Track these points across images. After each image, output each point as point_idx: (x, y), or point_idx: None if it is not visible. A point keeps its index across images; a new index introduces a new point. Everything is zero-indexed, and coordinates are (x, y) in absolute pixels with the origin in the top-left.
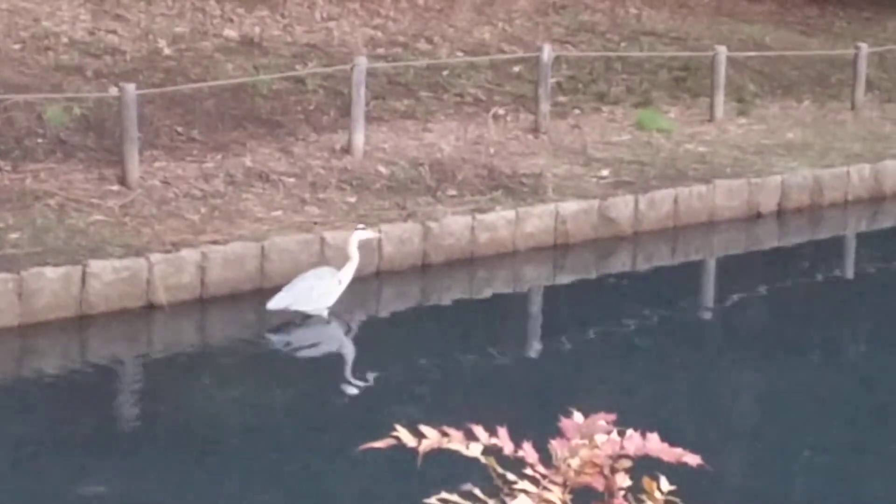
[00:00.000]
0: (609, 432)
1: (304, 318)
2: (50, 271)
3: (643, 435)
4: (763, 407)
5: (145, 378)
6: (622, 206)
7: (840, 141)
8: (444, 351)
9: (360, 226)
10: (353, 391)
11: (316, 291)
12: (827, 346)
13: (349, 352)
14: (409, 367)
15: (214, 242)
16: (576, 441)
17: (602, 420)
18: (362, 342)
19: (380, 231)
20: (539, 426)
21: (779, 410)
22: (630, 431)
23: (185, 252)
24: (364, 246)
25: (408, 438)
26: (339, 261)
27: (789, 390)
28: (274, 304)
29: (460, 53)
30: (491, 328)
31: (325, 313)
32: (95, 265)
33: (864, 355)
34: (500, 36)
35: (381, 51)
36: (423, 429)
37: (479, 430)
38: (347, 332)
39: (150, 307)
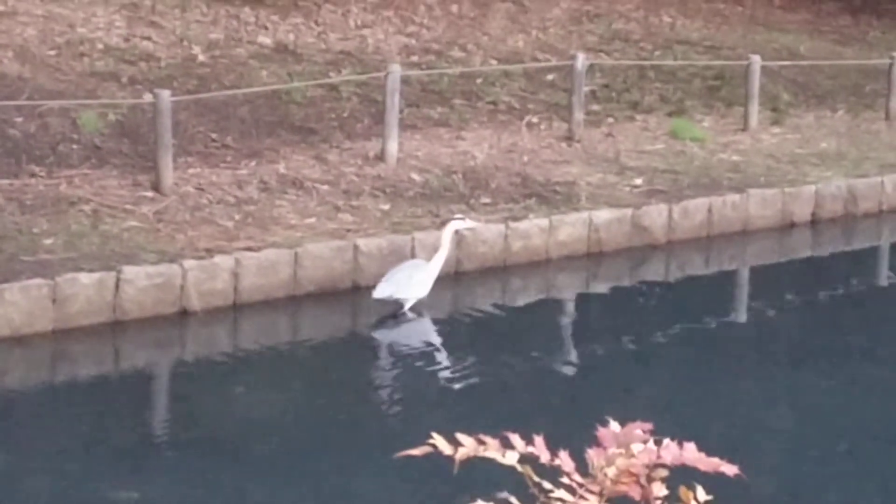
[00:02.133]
0: (646, 441)
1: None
2: (84, 277)
3: (680, 444)
4: (798, 417)
5: (178, 384)
6: (655, 215)
7: (874, 150)
8: (477, 359)
9: (458, 215)
10: (384, 399)
11: (415, 279)
12: (862, 356)
13: (381, 360)
14: (441, 375)
15: (248, 249)
16: (612, 450)
17: (639, 429)
18: (394, 350)
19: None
20: (574, 435)
21: (814, 421)
22: (667, 441)
23: (218, 258)
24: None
25: (444, 446)
26: (373, 268)
27: (824, 401)
28: (378, 293)
29: (494, 61)
30: (524, 336)
31: (410, 304)
32: (129, 271)
33: None
34: (534, 44)
35: (414, 58)
36: (460, 437)
37: (515, 439)
38: (381, 340)
39: (184, 313)
